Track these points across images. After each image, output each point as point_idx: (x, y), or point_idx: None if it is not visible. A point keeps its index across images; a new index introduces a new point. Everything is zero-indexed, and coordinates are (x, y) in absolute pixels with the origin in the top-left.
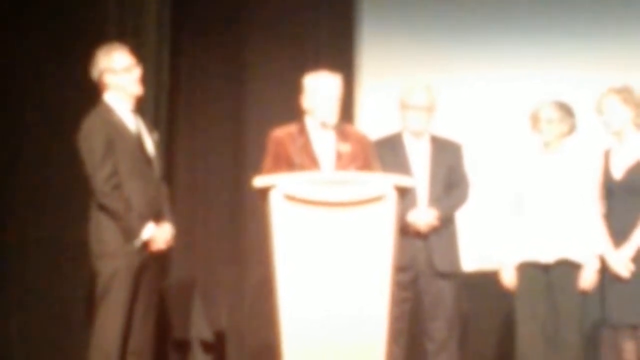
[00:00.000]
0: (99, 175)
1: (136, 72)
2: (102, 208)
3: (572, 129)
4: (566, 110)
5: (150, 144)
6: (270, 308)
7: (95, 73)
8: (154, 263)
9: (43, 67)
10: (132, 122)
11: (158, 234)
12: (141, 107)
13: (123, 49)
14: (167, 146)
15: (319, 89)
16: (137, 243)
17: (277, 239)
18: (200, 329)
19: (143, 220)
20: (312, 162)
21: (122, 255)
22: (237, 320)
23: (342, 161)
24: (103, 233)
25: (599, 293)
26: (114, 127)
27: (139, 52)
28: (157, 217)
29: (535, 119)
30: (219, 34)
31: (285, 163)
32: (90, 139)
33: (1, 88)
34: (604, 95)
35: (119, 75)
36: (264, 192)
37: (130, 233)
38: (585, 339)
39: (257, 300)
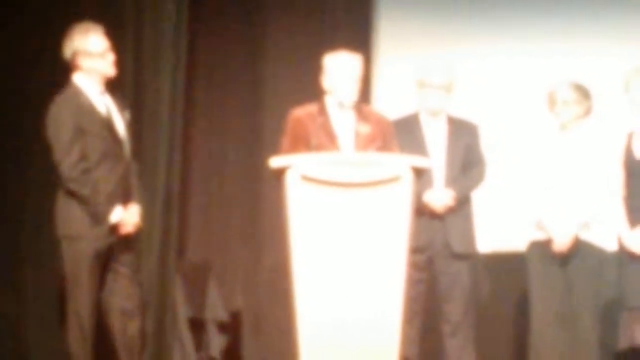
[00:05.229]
0: (67, 160)
1: (110, 56)
2: (71, 193)
3: (588, 111)
4: (583, 92)
5: (121, 124)
6: (285, 288)
7: (68, 52)
8: (124, 244)
9: (58, 29)
10: (102, 104)
11: (126, 217)
12: (158, 86)
13: (99, 31)
14: (184, 126)
15: (338, 68)
16: (105, 227)
17: (293, 220)
18: (215, 310)
19: (111, 204)
20: (331, 141)
21: (89, 238)
22: (252, 301)
23: (361, 142)
24: (70, 215)
25: (616, 274)
26: (83, 110)
27: (156, 29)
28: (126, 198)
29: (551, 100)
30: (236, 12)
31: (304, 144)
32: (57, 124)
33: (19, 56)
34: (632, 73)
35: (94, 58)
36: (280, 173)
37: (97, 217)
38: (602, 321)
39: (272, 280)
